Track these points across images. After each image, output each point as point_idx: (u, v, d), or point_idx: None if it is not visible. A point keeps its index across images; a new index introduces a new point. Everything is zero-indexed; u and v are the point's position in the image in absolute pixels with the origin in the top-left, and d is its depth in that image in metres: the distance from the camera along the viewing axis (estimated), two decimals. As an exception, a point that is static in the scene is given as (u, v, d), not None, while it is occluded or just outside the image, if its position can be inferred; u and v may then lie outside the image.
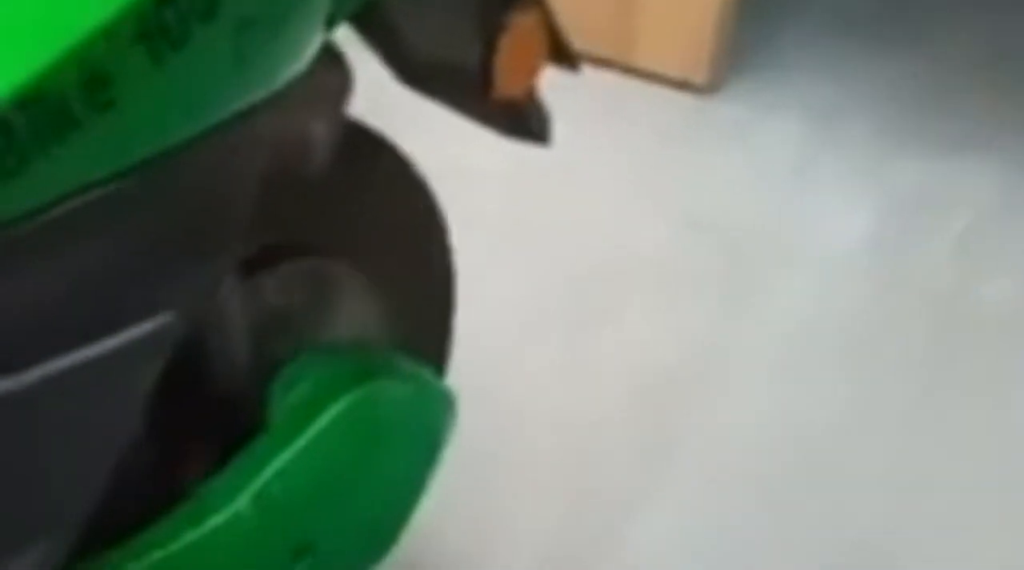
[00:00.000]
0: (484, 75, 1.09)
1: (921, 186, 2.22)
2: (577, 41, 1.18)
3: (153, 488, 1.04)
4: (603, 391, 1.79)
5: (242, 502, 1.04)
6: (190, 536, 1.02)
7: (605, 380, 1.80)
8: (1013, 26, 2.61)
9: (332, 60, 1.05)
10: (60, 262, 0.76)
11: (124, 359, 0.81)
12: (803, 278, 2.03)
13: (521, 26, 1.09)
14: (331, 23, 0.92)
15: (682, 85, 2.35)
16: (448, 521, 1.51)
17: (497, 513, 1.60)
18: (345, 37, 1.06)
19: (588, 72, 1.25)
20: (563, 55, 1.16)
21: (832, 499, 1.69)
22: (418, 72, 1.16)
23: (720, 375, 1.84)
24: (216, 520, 1.03)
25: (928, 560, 1.63)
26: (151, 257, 0.81)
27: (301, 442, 1.07)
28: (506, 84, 1.10)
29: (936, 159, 2.27)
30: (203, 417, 1.06)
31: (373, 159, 1.22)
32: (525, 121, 1.19)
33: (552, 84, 1.20)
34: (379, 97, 1.23)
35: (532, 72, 1.13)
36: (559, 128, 1.22)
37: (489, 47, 1.08)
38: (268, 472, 1.05)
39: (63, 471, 0.83)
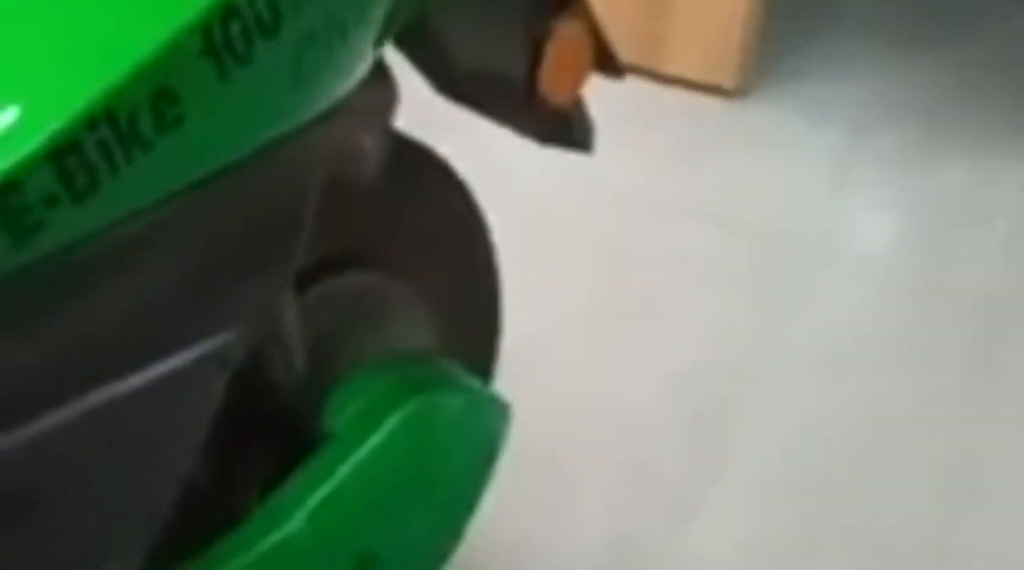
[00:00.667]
0: (530, 84, 1.09)
1: (955, 191, 2.22)
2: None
3: (212, 504, 1.04)
4: (650, 389, 1.79)
5: (303, 516, 1.04)
6: (254, 551, 1.02)
7: (650, 379, 1.81)
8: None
9: (379, 73, 1.06)
10: (127, 281, 0.77)
11: (189, 377, 0.82)
12: (835, 281, 2.03)
13: (568, 34, 1.09)
14: (381, 39, 0.92)
15: (711, 90, 2.35)
16: (496, 521, 1.51)
17: (547, 517, 1.61)
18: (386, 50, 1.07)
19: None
20: (607, 63, 1.16)
21: (880, 491, 1.69)
22: (460, 83, 1.16)
23: (761, 372, 1.84)
24: (278, 534, 1.03)
25: (973, 559, 1.62)
26: (216, 273, 0.81)
27: (360, 454, 1.07)
28: (552, 93, 1.10)
29: (974, 163, 2.27)
30: (261, 432, 1.07)
31: (419, 170, 1.23)
32: (568, 130, 1.19)
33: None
34: (419, 106, 1.24)
35: (578, 80, 1.13)
36: (591, 133, 1.23)
37: (536, 56, 1.08)
38: (329, 485, 1.05)
39: (132, 492, 0.84)
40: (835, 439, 1.75)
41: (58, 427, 0.76)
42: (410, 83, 1.13)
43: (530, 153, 1.30)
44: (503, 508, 1.38)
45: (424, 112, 1.28)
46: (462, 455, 1.18)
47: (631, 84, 1.49)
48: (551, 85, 1.10)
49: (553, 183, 2.03)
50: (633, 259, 2.01)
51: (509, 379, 1.40)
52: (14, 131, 0.67)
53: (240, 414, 1.01)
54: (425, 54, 1.15)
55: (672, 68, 2.35)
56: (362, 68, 0.88)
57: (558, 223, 2.05)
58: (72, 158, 0.68)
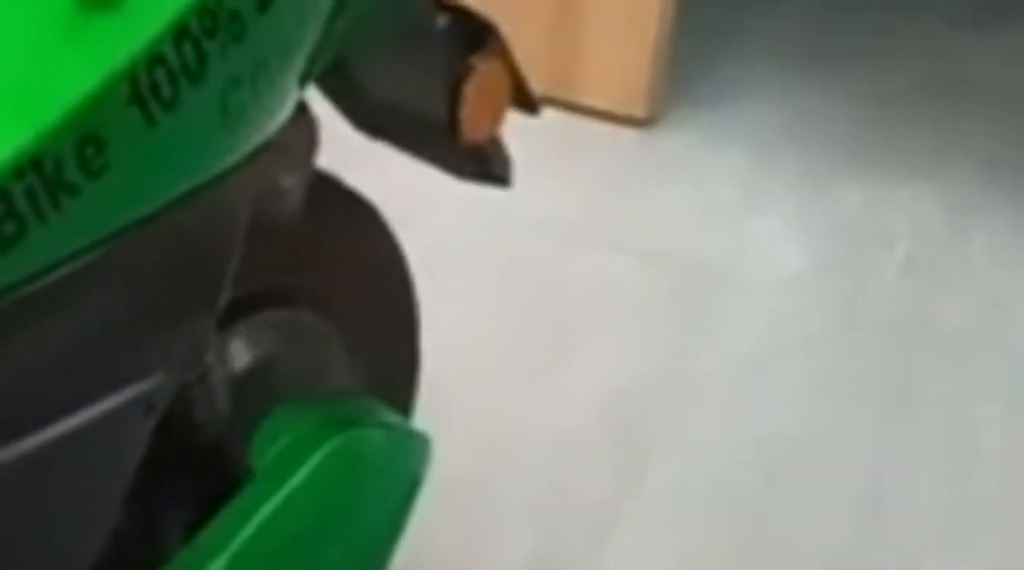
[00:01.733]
0: (450, 123, 1.10)
1: (865, 212, 2.26)
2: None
3: (138, 546, 1.04)
4: (571, 416, 1.81)
5: (224, 558, 1.03)
6: None
7: (572, 406, 1.82)
8: (952, 51, 2.68)
9: (300, 111, 1.06)
10: (52, 327, 0.76)
11: (116, 422, 0.81)
12: (753, 304, 2.06)
13: (487, 72, 1.10)
14: (305, 79, 0.93)
15: (623, 119, 2.38)
16: (423, 550, 1.51)
17: (473, 541, 1.61)
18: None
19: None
20: (524, 99, 1.18)
21: (795, 511, 1.72)
22: (378, 120, 1.17)
23: (681, 397, 1.87)
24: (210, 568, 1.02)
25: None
26: (142, 317, 0.81)
27: (283, 493, 1.07)
28: (472, 131, 1.11)
29: (880, 185, 2.32)
30: (185, 472, 1.06)
31: (338, 206, 1.23)
32: (487, 165, 1.20)
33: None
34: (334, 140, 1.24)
35: (497, 118, 1.14)
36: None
37: (455, 95, 1.09)
38: (252, 525, 1.05)
39: (57, 538, 0.83)
40: (752, 463, 1.78)
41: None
42: (326, 118, 1.14)
43: (444, 185, 1.31)
44: (424, 534, 1.38)
45: (339, 147, 1.28)
46: (385, 490, 1.19)
47: (544, 116, 1.52)
48: (471, 123, 1.11)
49: (468, 215, 2.05)
50: (550, 288, 2.03)
51: (428, 408, 1.41)
52: (-61, 181, 0.67)
53: (163, 454, 1.00)
54: (342, 91, 1.15)
55: (584, 99, 2.37)
56: (287, 109, 0.89)
57: (475, 255, 2.07)
58: (-2, 206, 0.68)
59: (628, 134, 2.38)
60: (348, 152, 1.33)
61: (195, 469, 1.07)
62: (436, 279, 1.42)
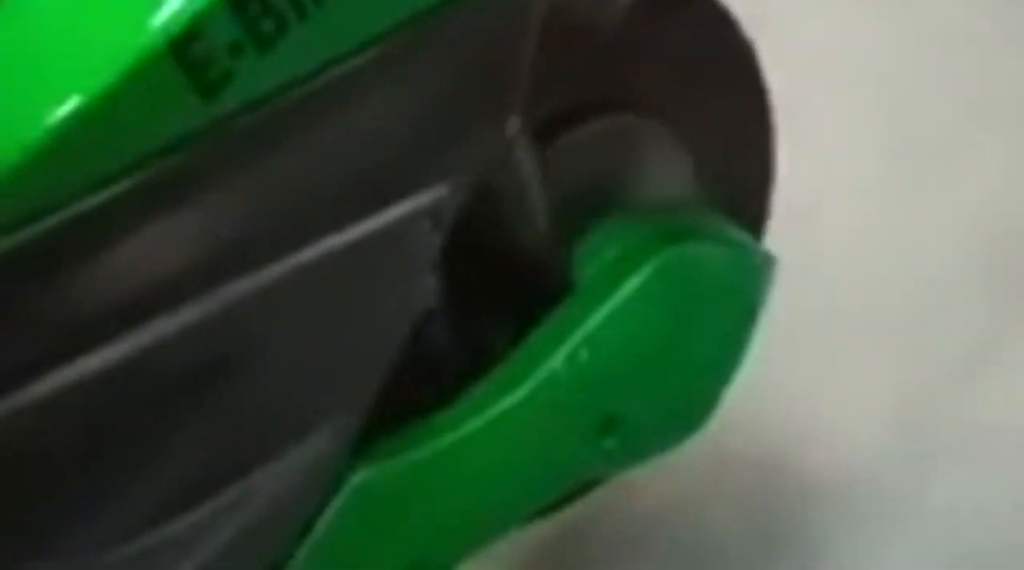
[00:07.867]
0: None
1: None
2: None
3: (457, 357, 1.01)
4: (944, 244, 1.66)
5: (554, 365, 0.99)
6: (503, 402, 0.97)
7: (945, 232, 1.67)
8: None
9: None
10: (330, 133, 0.73)
11: (402, 234, 0.78)
12: None
13: None
14: None
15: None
16: (773, 389, 1.43)
17: (829, 381, 1.52)
18: None
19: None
20: None
21: None
22: None
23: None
24: (528, 385, 0.98)
25: None
26: (426, 121, 0.77)
27: (609, 306, 1.02)
28: None
29: None
30: (505, 284, 1.03)
31: (679, 4, 1.14)
32: None
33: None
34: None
35: None
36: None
37: None
38: (576, 337, 1.00)
39: (353, 345, 0.81)
40: None
41: (268, 285, 0.74)
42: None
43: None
44: (768, 375, 1.30)
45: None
46: (720, 312, 1.11)
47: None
48: None
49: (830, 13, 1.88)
50: (925, 91, 1.85)
51: (788, 230, 1.31)
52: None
53: (481, 268, 0.98)
54: None
55: None
56: None
57: (834, 49, 1.89)
58: (255, 3, 0.65)
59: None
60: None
61: (512, 282, 1.03)
62: (796, 89, 1.29)
